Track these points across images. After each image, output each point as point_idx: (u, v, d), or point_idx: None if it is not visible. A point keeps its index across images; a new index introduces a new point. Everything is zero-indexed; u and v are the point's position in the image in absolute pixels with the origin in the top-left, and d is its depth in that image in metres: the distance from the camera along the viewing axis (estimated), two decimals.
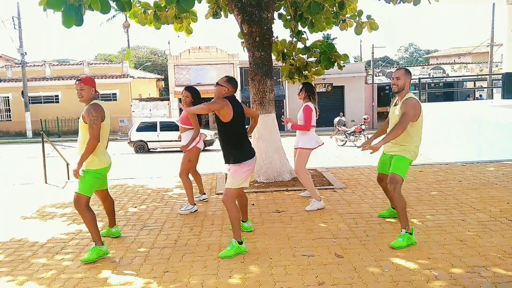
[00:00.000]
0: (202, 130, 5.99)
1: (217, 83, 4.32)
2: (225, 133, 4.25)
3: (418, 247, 4.14)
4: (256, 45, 7.27)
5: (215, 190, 6.93)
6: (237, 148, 4.22)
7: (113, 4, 5.22)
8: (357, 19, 8.21)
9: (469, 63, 35.26)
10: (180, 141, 5.94)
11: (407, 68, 4.41)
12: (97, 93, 4.27)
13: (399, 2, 7.13)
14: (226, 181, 4.30)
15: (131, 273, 3.82)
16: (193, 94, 5.65)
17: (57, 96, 30.73)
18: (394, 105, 4.53)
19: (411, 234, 4.22)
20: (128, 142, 19.53)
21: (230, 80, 4.34)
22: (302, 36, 8.37)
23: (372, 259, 3.91)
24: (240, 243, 4.15)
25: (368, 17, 8.17)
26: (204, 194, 6.37)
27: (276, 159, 7.32)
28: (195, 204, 5.76)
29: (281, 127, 6.67)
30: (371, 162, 12.35)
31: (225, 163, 4.31)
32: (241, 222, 4.59)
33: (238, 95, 30.06)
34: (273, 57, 7.94)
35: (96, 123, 4.01)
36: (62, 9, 4.72)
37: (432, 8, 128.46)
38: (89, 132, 4.00)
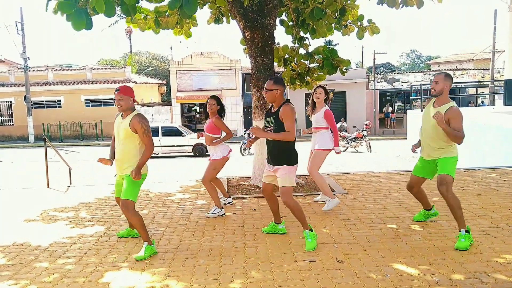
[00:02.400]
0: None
1: (266, 89, 4.39)
2: None
3: (419, 253, 4.15)
4: (258, 51, 7.31)
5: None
6: (292, 150, 4.41)
7: (117, 9, 5.26)
8: (359, 23, 8.25)
9: (471, 69, 35.27)
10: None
11: (448, 72, 4.50)
12: (136, 102, 4.46)
13: (402, 6, 7.15)
14: (280, 183, 4.42)
15: (133, 277, 3.83)
16: (218, 102, 5.80)
17: (60, 100, 30.83)
18: (428, 107, 4.58)
19: (468, 232, 4.28)
20: None
21: (277, 81, 4.44)
22: (304, 42, 8.41)
23: (373, 265, 3.91)
24: (311, 230, 4.44)
25: (369, 21, 8.20)
26: (229, 197, 6.39)
27: None
28: (222, 207, 5.79)
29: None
30: (373, 168, 12.36)
31: (274, 165, 4.43)
32: (275, 224, 4.87)
33: (239, 101, 30.18)
34: (275, 63, 7.98)
35: (149, 132, 4.31)
36: (72, 12, 4.77)
37: (434, 14, 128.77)
38: (145, 140, 4.27)
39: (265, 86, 4.42)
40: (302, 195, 6.62)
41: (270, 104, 4.56)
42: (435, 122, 4.31)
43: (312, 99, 6.02)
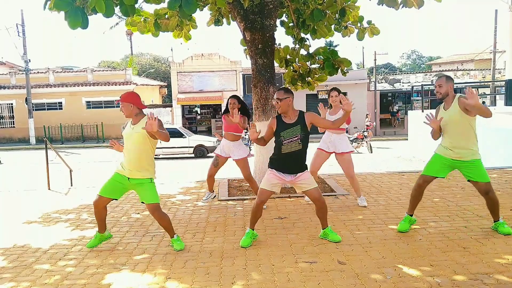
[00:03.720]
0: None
1: (278, 99, 4.40)
2: (307, 144, 4.48)
3: (420, 254, 4.14)
4: (259, 52, 7.31)
5: (217, 196, 6.93)
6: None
7: (116, 9, 5.25)
8: (359, 25, 8.26)
9: (472, 69, 35.25)
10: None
11: (446, 75, 4.58)
12: (142, 107, 4.45)
13: (402, 7, 7.14)
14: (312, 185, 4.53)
15: (134, 279, 3.83)
16: (239, 101, 5.97)
17: (61, 103, 30.85)
18: (445, 110, 4.58)
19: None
20: None
21: (287, 90, 4.51)
22: (305, 43, 8.41)
23: (374, 266, 3.90)
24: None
25: (369, 22, 8.22)
26: (213, 191, 6.59)
27: None
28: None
29: None
30: (374, 169, 12.34)
31: (298, 172, 4.47)
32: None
33: None
34: (276, 64, 7.97)
35: (163, 127, 4.27)
36: (68, 10, 4.76)
37: (435, 14, 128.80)
38: (162, 135, 4.20)
39: (276, 97, 4.42)
40: (303, 196, 6.60)
41: (277, 115, 4.52)
42: (459, 118, 4.41)
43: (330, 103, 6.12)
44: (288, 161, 4.45)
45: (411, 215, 4.89)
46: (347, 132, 6.52)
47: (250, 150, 6.19)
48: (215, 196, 6.68)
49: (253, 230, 4.67)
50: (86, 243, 4.79)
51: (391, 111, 33.04)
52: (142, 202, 4.52)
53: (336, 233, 4.68)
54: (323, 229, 4.72)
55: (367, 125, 21.01)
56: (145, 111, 4.48)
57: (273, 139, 4.57)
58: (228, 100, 6.05)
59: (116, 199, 4.58)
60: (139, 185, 4.43)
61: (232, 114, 5.59)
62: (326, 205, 4.61)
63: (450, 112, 4.50)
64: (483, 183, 4.50)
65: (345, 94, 31.15)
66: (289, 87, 4.67)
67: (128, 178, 4.42)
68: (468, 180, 4.61)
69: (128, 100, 4.39)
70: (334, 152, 6.08)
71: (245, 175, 6.14)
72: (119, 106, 5.02)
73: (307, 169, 4.55)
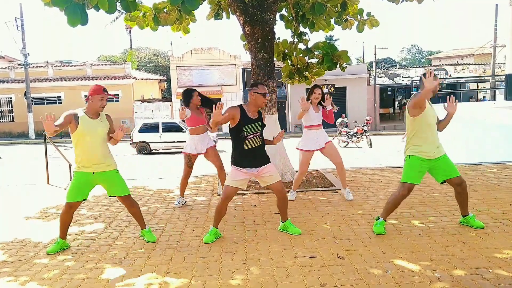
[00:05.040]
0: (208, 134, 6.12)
1: (266, 94, 4.47)
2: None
3: (420, 249, 4.14)
4: (258, 47, 7.28)
5: (217, 191, 6.93)
6: None
7: (117, 4, 5.21)
8: (358, 17, 8.24)
9: (472, 64, 35.17)
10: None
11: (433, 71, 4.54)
12: (87, 99, 4.36)
13: (402, 1, 7.11)
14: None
15: (133, 274, 3.83)
16: (199, 94, 6.00)
17: (60, 97, 30.78)
18: (431, 106, 4.55)
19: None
20: (131, 143, 19.55)
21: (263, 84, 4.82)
22: (304, 37, 8.37)
23: (374, 261, 3.90)
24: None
25: (368, 14, 8.21)
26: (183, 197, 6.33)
27: (277, 160, 7.30)
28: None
29: (283, 127, 6.67)
30: (373, 163, 12.32)
31: (262, 165, 4.52)
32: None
33: (240, 96, 30.14)
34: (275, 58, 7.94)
35: None
36: (66, 7, 4.72)
37: (435, 9, 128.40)
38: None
39: (264, 92, 4.41)
40: (303, 191, 6.60)
41: (241, 108, 4.44)
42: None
43: (311, 99, 6.00)
44: (252, 156, 4.45)
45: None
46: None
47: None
48: (185, 202, 6.28)
49: (217, 228, 4.62)
50: (85, 236, 4.79)
51: (399, 105, 33.08)
52: (110, 196, 4.50)
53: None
54: (282, 222, 4.80)
55: (366, 120, 20.99)
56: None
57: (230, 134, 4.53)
58: (190, 94, 5.99)
59: (85, 200, 4.50)
60: (106, 179, 4.40)
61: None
62: (287, 198, 4.79)
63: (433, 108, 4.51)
64: (458, 176, 4.50)
65: (344, 88, 31.13)
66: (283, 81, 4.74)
67: (93, 173, 4.34)
68: (442, 182, 4.57)
69: (101, 93, 4.30)
70: (317, 149, 6.02)
71: (218, 165, 6.09)
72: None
73: (269, 161, 4.59)
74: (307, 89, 6.37)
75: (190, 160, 6.08)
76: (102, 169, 4.36)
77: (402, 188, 4.50)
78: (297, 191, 6.36)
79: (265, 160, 4.54)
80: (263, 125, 4.53)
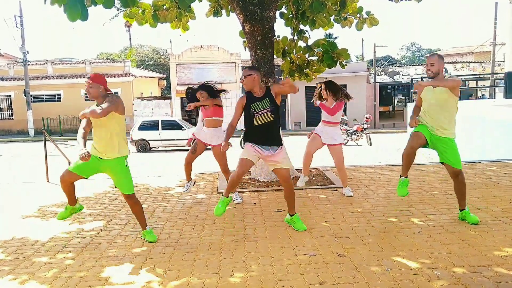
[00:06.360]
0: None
1: (244, 77, 4.62)
2: (278, 117, 4.69)
3: (420, 247, 4.14)
4: (258, 44, 7.26)
5: (216, 189, 6.93)
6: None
7: (116, 1, 5.19)
8: (358, 15, 8.22)
9: (471, 62, 35.16)
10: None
11: (439, 54, 4.66)
12: (108, 91, 4.40)
13: (401, 0, 7.11)
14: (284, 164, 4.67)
15: (133, 271, 3.83)
16: (205, 89, 5.98)
17: (59, 94, 30.75)
18: (433, 88, 4.60)
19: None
20: (130, 141, 19.52)
21: (252, 67, 4.86)
22: (304, 35, 8.35)
23: (373, 258, 3.90)
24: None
25: (368, 13, 8.19)
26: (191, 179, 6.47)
27: None
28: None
29: (283, 126, 6.65)
30: (373, 161, 12.33)
31: (274, 145, 4.63)
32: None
33: (239, 94, 30.11)
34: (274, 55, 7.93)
35: (112, 104, 4.22)
36: (66, 2, 4.71)
37: (434, 7, 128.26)
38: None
39: (242, 75, 4.62)
40: (302, 189, 6.60)
41: (247, 92, 4.69)
42: (446, 97, 4.50)
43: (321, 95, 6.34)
44: (262, 133, 4.60)
45: (406, 177, 4.81)
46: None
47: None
48: (194, 182, 6.58)
49: (227, 198, 4.64)
50: (85, 234, 4.79)
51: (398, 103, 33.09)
52: (115, 187, 4.50)
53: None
54: (290, 215, 4.81)
55: (366, 118, 20.98)
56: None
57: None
58: (194, 92, 6.03)
59: (85, 178, 4.45)
60: (112, 168, 4.37)
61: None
62: (294, 191, 4.81)
63: (437, 90, 4.53)
64: (450, 165, 4.57)
65: (344, 86, 31.13)
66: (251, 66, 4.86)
67: (100, 158, 4.36)
68: (441, 162, 4.69)
69: (99, 81, 4.33)
70: (327, 144, 6.13)
71: (223, 165, 6.01)
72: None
73: (282, 145, 4.70)
74: (306, 87, 6.41)
75: (195, 147, 6.06)
76: (107, 156, 4.34)
77: (415, 137, 4.65)
78: (297, 189, 6.35)
79: (277, 141, 4.65)
80: (272, 100, 4.58)
